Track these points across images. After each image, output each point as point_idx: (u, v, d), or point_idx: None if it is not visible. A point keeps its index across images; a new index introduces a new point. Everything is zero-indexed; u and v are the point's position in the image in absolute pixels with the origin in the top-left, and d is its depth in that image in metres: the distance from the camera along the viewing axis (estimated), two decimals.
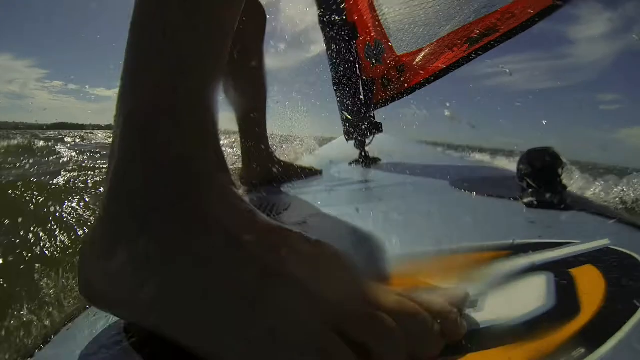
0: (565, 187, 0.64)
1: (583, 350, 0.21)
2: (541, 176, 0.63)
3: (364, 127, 1.33)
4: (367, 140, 1.40)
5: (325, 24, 1.19)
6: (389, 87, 1.12)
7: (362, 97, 1.30)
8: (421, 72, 0.99)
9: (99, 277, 0.22)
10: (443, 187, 0.82)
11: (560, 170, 0.64)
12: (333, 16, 1.15)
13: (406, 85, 1.03)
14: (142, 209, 0.21)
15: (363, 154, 1.47)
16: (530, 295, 0.28)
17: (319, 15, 1.19)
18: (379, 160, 1.45)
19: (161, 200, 0.21)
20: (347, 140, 1.43)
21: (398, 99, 1.11)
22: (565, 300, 0.27)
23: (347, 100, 1.33)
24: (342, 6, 1.11)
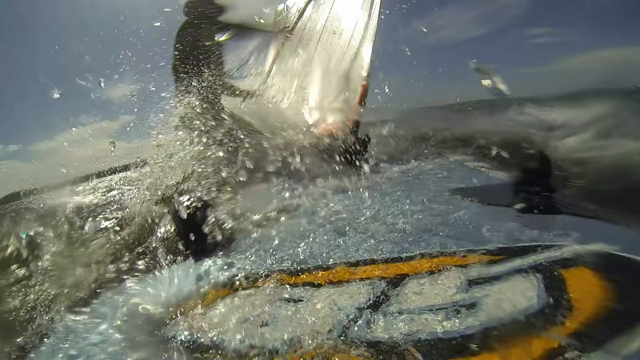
0: (554, 190, 0.66)
1: (577, 353, 0.23)
2: (533, 180, 0.62)
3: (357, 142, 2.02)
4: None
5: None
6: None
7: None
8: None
9: None
10: (440, 191, 0.87)
11: (550, 173, 0.63)
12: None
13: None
14: None
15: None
16: (524, 299, 0.28)
17: None
18: (378, 163, 1.81)
19: None
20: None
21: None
22: (559, 303, 0.27)
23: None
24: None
